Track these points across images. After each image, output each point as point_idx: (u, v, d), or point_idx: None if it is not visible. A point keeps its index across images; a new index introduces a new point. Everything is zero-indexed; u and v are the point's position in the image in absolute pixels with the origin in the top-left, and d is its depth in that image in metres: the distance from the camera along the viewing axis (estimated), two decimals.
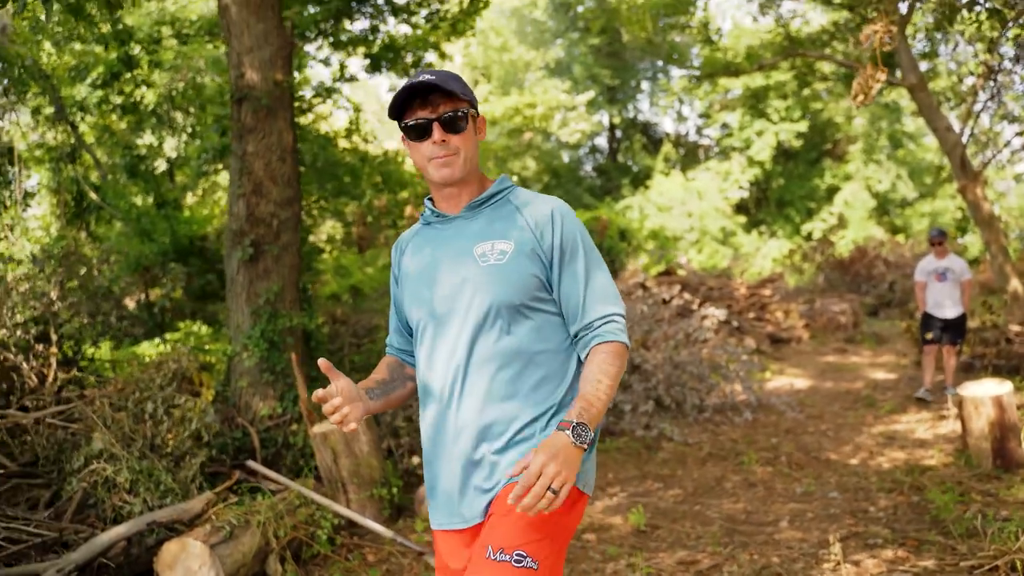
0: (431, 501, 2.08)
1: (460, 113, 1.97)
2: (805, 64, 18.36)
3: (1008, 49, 12.66)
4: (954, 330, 8.25)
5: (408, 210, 13.72)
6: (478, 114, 2.07)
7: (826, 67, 19.50)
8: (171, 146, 17.31)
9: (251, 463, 4.88)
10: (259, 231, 5.89)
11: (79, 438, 4.69)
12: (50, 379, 6.35)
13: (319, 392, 1.81)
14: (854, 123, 25.78)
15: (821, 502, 5.24)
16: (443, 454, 1.99)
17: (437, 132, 1.96)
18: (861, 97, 6.72)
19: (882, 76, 6.56)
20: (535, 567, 1.77)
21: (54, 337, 6.53)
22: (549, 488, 1.65)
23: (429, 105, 1.97)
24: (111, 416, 4.59)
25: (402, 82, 15.15)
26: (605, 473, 6.19)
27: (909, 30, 13.56)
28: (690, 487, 5.75)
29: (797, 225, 25.79)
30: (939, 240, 8.32)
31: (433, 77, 1.94)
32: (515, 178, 24.76)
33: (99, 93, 13.70)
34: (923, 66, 19.11)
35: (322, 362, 1.79)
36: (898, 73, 14.70)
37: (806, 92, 24.17)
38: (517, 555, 1.77)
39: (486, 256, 1.96)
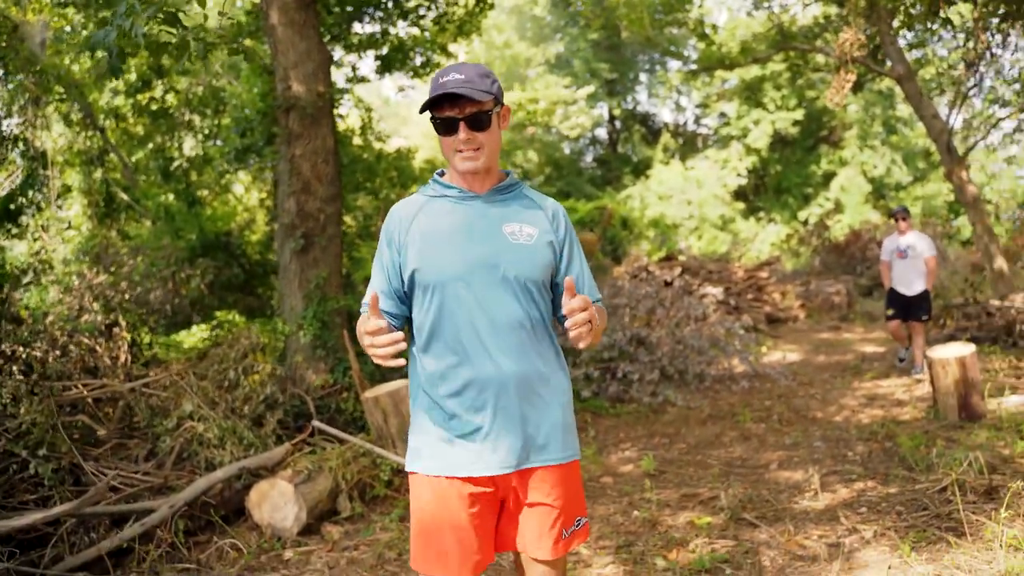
0: (448, 450, 2.19)
1: (485, 113, 2.16)
2: (798, 56, 19.06)
3: (996, 35, 13.31)
4: (916, 307, 8.36)
5: None
6: (503, 106, 2.25)
7: (819, 58, 20.19)
8: (189, 147, 18.09)
9: (316, 423, 5.67)
10: (308, 225, 6.68)
11: (168, 403, 5.48)
12: (121, 359, 7.16)
13: (378, 322, 1.96)
14: (848, 110, 26.47)
15: (807, 450, 6.03)
16: (483, 405, 2.17)
17: (463, 131, 2.14)
18: (837, 99, 7.49)
19: (851, 78, 7.33)
20: (586, 519, 2.35)
21: (123, 323, 7.33)
22: (589, 324, 2.03)
23: (457, 105, 2.14)
24: (196, 384, 5.39)
25: (414, 82, 15.69)
26: (617, 433, 6.99)
27: (897, 21, 14.23)
28: (692, 442, 6.55)
29: (794, 211, 26.52)
30: (901, 216, 8.47)
31: (461, 76, 2.12)
32: (518, 171, 25.53)
33: (130, 99, 14.40)
34: (916, 53, 19.82)
35: (372, 296, 2.00)
36: (887, 64, 15.36)
37: (800, 81, 24.85)
38: (578, 520, 2.28)
39: (515, 235, 2.21)
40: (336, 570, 4.16)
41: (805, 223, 25.69)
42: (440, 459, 2.18)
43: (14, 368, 5.81)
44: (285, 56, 6.79)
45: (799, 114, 25.32)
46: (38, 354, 6.14)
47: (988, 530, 3.77)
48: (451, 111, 2.14)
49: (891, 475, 5.10)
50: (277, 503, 4.70)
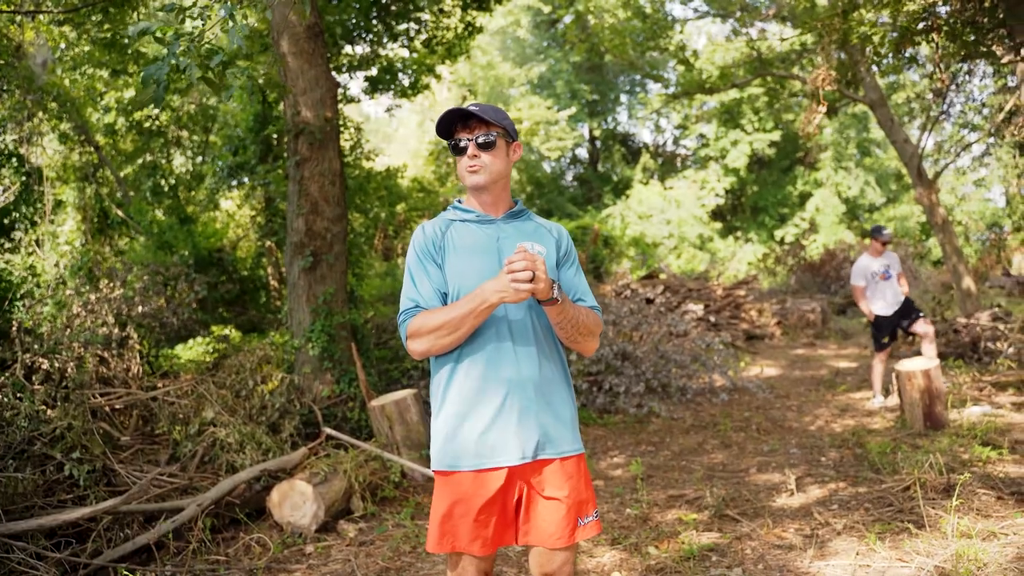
0: (471, 445, 2.41)
1: (491, 136, 2.48)
2: (775, 80, 19.70)
3: (963, 64, 13.92)
4: (909, 308, 8.04)
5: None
6: (512, 140, 2.56)
7: (796, 83, 20.86)
8: (178, 164, 18.42)
9: (328, 430, 6.04)
10: (316, 243, 7.07)
11: (189, 411, 5.83)
12: (134, 370, 7.49)
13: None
14: (824, 133, 27.22)
15: (783, 456, 6.48)
16: (503, 401, 2.40)
17: (471, 148, 2.47)
18: (810, 129, 8.01)
19: (823, 109, 7.86)
20: (597, 515, 2.60)
21: (134, 336, 7.66)
22: (534, 275, 2.23)
23: (468, 128, 2.50)
24: (216, 393, 5.75)
25: (402, 102, 16.00)
26: (606, 442, 7.40)
27: (869, 47, 14.81)
28: (676, 449, 6.98)
29: (771, 230, 27.18)
30: (889, 240, 8.11)
31: (475, 108, 2.47)
32: None
33: (125, 118, 14.72)
34: (892, 77, 20.34)
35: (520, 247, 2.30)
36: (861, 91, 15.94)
37: (778, 105, 25.55)
38: (591, 513, 2.50)
39: (529, 251, 2.39)
40: (356, 561, 4.53)
41: (781, 242, 26.32)
42: (465, 456, 2.40)
43: (34, 378, 6.14)
44: (295, 83, 7.19)
45: (776, 136, 26.00)
46: (58, 364, 6.48)
47: (944, 521, 4.23)
48: (463, 133, 2.49)
49: (860, 477, 5.55)
50: (296, 502, 5.06)
